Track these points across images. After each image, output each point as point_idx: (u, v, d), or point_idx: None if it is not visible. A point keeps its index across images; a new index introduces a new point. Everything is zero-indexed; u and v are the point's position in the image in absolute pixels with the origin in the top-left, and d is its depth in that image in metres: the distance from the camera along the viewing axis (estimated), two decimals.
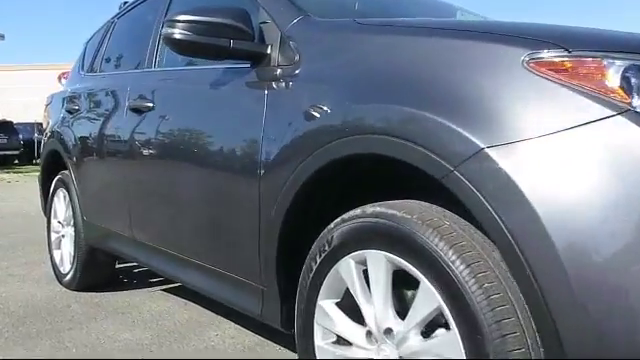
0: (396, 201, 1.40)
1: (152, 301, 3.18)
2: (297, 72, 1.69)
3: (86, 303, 3.13)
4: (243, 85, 1.89)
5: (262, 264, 1.75)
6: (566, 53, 1.13)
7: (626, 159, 1.05)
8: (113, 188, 2.80)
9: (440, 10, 2.51)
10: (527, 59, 1.15)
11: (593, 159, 1.06)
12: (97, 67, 3.44)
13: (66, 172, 3.40)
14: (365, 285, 1.43)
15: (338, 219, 1.49)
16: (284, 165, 1.62)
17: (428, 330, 1.31)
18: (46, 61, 34.31)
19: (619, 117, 1.06)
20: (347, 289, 1.49)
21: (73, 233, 3.35)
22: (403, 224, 1.30)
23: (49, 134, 3.72)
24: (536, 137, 1.09)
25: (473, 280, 1.17)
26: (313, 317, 1.56)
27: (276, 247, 1.67)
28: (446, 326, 1.25)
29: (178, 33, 1.82)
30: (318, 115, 1.52)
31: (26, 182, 12.78)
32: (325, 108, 1.51)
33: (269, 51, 1.80)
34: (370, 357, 1.41)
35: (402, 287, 1.40)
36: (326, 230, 1.53)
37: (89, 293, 3.30)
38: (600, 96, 1.07)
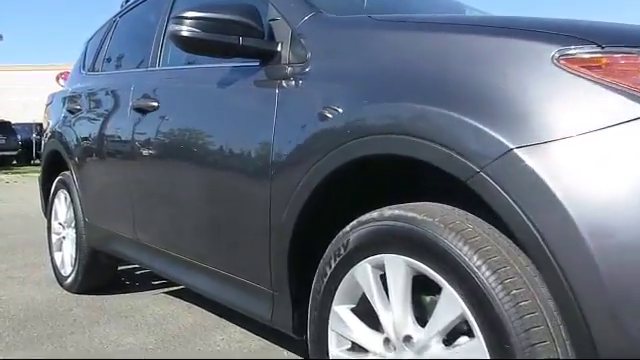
0: (415, 203, 1.35)
1: (155, 304, 3.13)
2: (309, 70, 1.64)
3: (88, 306, 3.08)
4: (252, 84, 1.83)
5: (273, 268, 1.70)
6: (599, 49, 1.08)
7: None
8: (116, 189, 2.74)
9: (450, 7, 2.46)
10: (557, 55, 1.10)
11: (629, 159, 1.01)
12: (99, 66, 3.39)
13: (67, 173, 3.34)
14: (383, 290, 1.38)
15: (354, 222, 1.44)
16: (297, 166, 1.57)
17: (449, 338, 1.26)
18: (44, 61, 34.22)
19: None
20: (363, 294, 1.44)
21: (74, 235, 3.30)
22: (424, 227, 1.24)
23: (49, 134, 3.66)
24: (569, 137, 1.04)
25: (500, 286, 1.12)
26: (327, 323, 1.51)
27: (288, 250, 1.62)
28: (469, 334, 1.20)
29: (186, 30, 1.76)
30: (333, 114, 1.47)
31: (24, 183, 12.71)
32: (340, 107, 1.45)
33: (279, 49, 1.75)
34: None
35: (421, 293, 1.35)
36: (341, 233, 1.48)
37: (91, 296, 3.25)
38: (637, 94, 1.02)
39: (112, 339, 2.58)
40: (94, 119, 3.02)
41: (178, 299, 3.21)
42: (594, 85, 1.06)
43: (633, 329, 0.99)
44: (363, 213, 1.47)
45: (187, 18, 1.77)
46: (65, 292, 3.35)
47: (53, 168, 3.59)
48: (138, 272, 3.80)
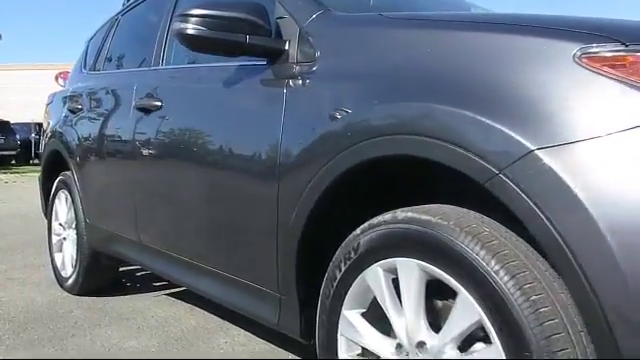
0: (429, 205, 1.31)
1: (157, 306, 3.09)
2: (318, 69, 1.60)
3: (89, 308, 3.04)
4: (259, 83, 1.80)
5: (280, 270, 1.67)
6: (622, 47, 1.05)
7: None
8: (118, 189, 2.70)
9: (455, 5, 2.43)
10: (579, 54, 1.07)
11: None
12: (100, 65, 3.35)
13: (68, 173, 3.31)
14: (395, 295, 1.34)
15: (365, 225, 1.41)
16: (306, 167, 1.53)
17: (464, 344, 1.22)
18: (43, 61, 34.17)
19: None
20: (374, 299, 1.41)
21: (75, 236, 3.26)
22: (439, 231, 1.21)
23: (50, 134, 3.62)
24: (592, 138, 1.01)
25: (519, 292, 1.08)
26: (337, 328, 1.47)
27: (296, 253, 1.59)
28: (485, 340, 1.17)
29: (191, 28, 1.73)
30: (343, 114, 1.44)
31: (23, 182, 12.66)
32: (351, 107, 1.42)
33: (287, 47, 1.72)
34: None
35: (434, 297, 1.32)
36: (351, 236, 1.44)
37: (92, 298, 3.21)
38: None
39: (114, 342, 2.55)
40: (96, 119, 2.99)
41: (180, 301, 3.17)
42: (618, 84, 1.02)
43: None
44: (372, 215, 1.44)
45: (193, 16, 1.73)
46: (66, 294, 3.31)
47: (53, 168, 3.56)
48: (139, 273, 3.76)
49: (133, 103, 2.50)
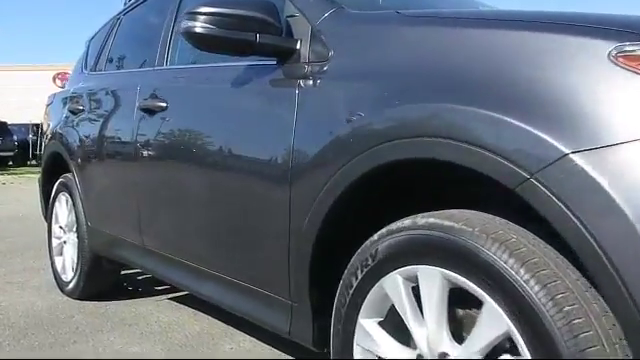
0: (450, 211, 1.26)
1: (160, 311, 3.03)
2: (331, 69, 1.55)
3: (90, 313, 2.98)
4: (269, 83, 1.75)
5: (292, 277, 1.61)
6: None
7: None
8: (121, 192, 2.65)
9: (463, 3, 2.37)
10: (614, 52, 1.01)
11: None
12: (102, 65, 3.29)
13: (69, 175, 3.25)
14: (415, 304, 1.29)
15: (383, 230, 1.35)
16: (320, 171, 1.48)
17: (489, 355, 1.17)
18: (42, 61, 34.07)
19: None
20: (392, 307, 1.35)
21: (76, 239, 3.20)
22: (463, 238, 1.16)
23: (50, 136, 3.56)
24: (632, 140, 0.95)
25: (551, 303, 1.03)
26: (352, 337, 1.42)
27: (309, 260, 1.53)
28: (512, 352, 1.12)
29: (199, 27, 1.67)
30: (360, 116, 1.38)
31: (21, 184, 12.59)
32: (368, 108, 1.37)
33: (298, 47, 1.66)
34: None
35: (456, 306, 1.26)
36: (368, 242, 1.39)
37: (93, 302, 3.15)
38: None
39: (117, 348, 2.49)
40: (98, 120, 2.92)
41: (183, 305, 3.11)
42: None
43: None
44: (388, 221, 1.39)
45: (201, 14, 1.68)
46: (66, 298, 3.26)
47: (54, 170, 3.50)
48: (140, 277, 3.71)
49: (137, 104, 2.44)
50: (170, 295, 3.31)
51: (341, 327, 1.45)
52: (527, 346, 1.06)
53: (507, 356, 1.14)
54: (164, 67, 2.44)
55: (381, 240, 1.34)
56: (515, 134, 1.06)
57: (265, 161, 1.69)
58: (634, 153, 0.96)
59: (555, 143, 1.01)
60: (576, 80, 1.04)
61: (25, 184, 12.36)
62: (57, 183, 3.44)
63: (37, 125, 20.98)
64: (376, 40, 1.47)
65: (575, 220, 0.99)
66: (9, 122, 20.91)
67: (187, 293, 2.86)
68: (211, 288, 2.02)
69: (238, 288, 1.87)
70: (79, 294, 3.20)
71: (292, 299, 1.64)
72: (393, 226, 1.33)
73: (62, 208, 3.41)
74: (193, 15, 1.69)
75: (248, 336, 2.60)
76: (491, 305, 1.12)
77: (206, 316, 2.92)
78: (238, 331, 2.67)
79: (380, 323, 1.38)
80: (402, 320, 1.32)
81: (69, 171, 3.22)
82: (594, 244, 0.98)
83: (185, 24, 1.70)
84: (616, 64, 1.01)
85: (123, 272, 3.40)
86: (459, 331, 1.26)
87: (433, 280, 1.22)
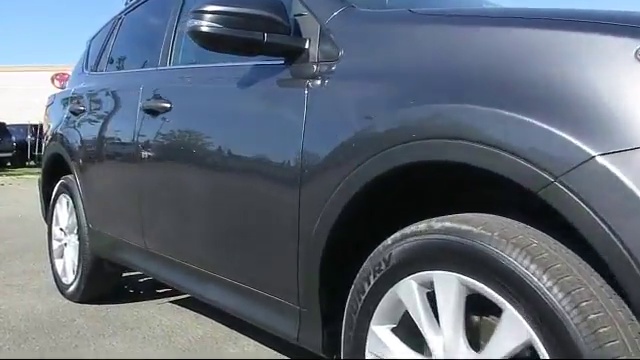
0: (467, 214, 1.22)
1: (162, 315, 2.99)
2: (341, 69, 1.51)
3: (92, 317, 2.94)
4: (277, 83, 1.71)
5: (301, 282, 1.58)
6: None
7: None
8: (123, 194, 2.60)
9: (468, 2, 2.33)
10: None
11: None
12: (103, 66, 3.25)
13: (69, 177, 3.21)
14: (430, 311, 1.25)
15: (397, 235, 1.32)
16: (331, 174, 1.44)
17: None
18: (40, 62, 34.00)
19: None
20: (405, 314, 1.32)
21: (77, 242, 3.16)
22: (482, 242, 1.12)
23: (50, 137, 3.52)
24: None
25: (575, 311, 0.99)
26: (364, 344, 1.38)
27: (319, 264, 1.49)
28: None
29: (206, 25, 1.64)
30: (372, 117, 1.35)
31: (19, 185, 12.53)
32: (381, 109, 1.33)
33: (307, 46, 1.63)
34: None
35: (471, 313, 1.23)
36: (381, 247, 1.35)
37: (94, 306, 3.11)
38: None
39: (119, 353, 2.45)
40: (99, 121, 2.88)
41: (185, 309, 3.07)
42: None
43: None
44: (401, 225, 1.35)
45: (207, 12, 1.64)
46: (67, 301, 3.22)
47: (54, 171, 3.46)
48: (141, 280, 3.67)
49: (139, 104, 2.40)
50: (172, 298, 3.27)
51: (352, 334, 1.41)
52: (550, 355, 1.02)
53: None
54: (167, 67, 2.40)
55: (395, 245, 1.30)
56: (538, 136, 1.02)
57: (273, 163, 1.66)
58: None
59: (581, 145, 0.97)
60: (602, 80, 1.00)
61: (24, 185, 12.30)
62: (58, 185, 3.40)
63: (36, 126, 20.98)
64: (389, 39, 1.43)
65: (602, 224, 0.96)
66: (7, 123, 20.84)
67: (189, 296, 2.83)
68: (216, 292, 1.98)
69: (244, 292, 1.83)
70: (80, 297, 3.15)
71: (301, 304, 1.60)
72: (407, 230, 1.29)
73: (63, 210, 3.37)
74: (199, 14, 1.65)
75: (252, 340, 2.56)
76: (511, 312, 1.08)
77: (209, 319, 2.88)
78: (242, 335, 2.63)
79: (393, 330, 1.35)
80: (416, 327, 1.29)
81: (70, 172, 3.18)
82: (622, 249, 0.95)
83: (191, 23, 1.67)
84: None
85: (124, 275, 3.36)
86: (476, 338, 1.23)
87: (450, 286, 1.19)
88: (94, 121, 2.94)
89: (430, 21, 1.37)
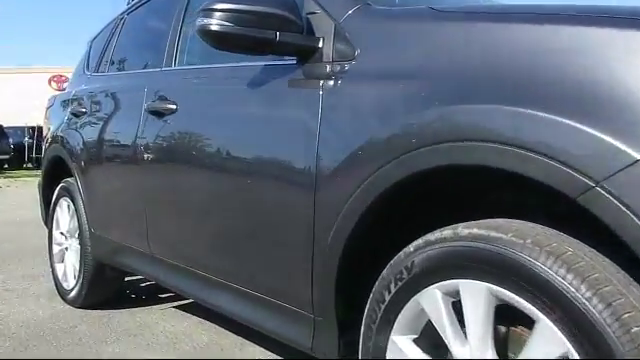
0: (495, 220, 1.17)
1: (165, 320, 2.93)
2: (358, 68, 1.46)
3: (94, 323, 2.88)
4: (289, 84, 1.65)
5: (315, 290, 1.52)
6: None
7: None
8: (127, 198, 2.54)
9: None
10: None
11: None
12: (105, 67, 3.18)
13: (70, 180, 3.14)
14: (456, 321, 1.20)
15: (419, 241, 1.26)
16: (348, 177, 1.38)
17: None
18: (37, 64, 33.87)
19: None
20: (427, 324, 1.26)
21: (78, 246, 3.09)
22: (514, 250, 1.06)
23: (50, 139, 3.46)
24: None
25: (617, 323, 0.94)
26: (384, 355, 1.32)
27: (336, 272, 1.44)
28: None
29: (216, 24, 1.58)
30: (395, 118, 1.29)
31: (17, 187, 12.45)
32: (403, 110, 1.27)
33: (320, 45, 1.57)
34: None
35: (497, 323, 1.17)
36: (402, 254, 1.29)
37: (96, 311, 3.05)
38: None
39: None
40: (102, 122, 2.82)
41: (189, 314, 3.01)
42: None
43: None
44: (420, 231, 1.30)
45: (217, 10, 1.58)
46: (68, 307, 3.15)
47: (54, 174, 3.39)
48: (143, 284, 3.60)
49: (144, 106, 2.34)
50: (175, 303, 3.21)
51: (372, 344, 1.35)
52: None
53: None
54: (173, 68, 2.34)
55: (418, 252, 1.25)
56: (577, 139, 0.96)
57: (286, 166, 1.60)
58: None
59: (624, 148, 0.92)
60: None
61: (22, 187, 12.23)
62: (58, 188, 3.33)
63: (33, 128, 20.92)
64: (410, 38, 1.37)
65: None
66: (5, 125, 20.74)
67: (192, 301, 2.77)
68: (225, 299, 1.92)
69: (255, 300, 1.77)
70: (81, 302, 3.09)
71: (315, 313, 1.54)
72: (431, 237, 1.23)
73: (63, 213, 3.31)
74: (209, 12, 1.59)
75: (258, 347, 2.50)
76: (546, 324, 1.02)
77: (214, 325, 2.82)
78: (248, 342, 2.57)
79: (415, 340, 1.29)
80: (439, 337, 1.23)
81: (71, 175, 3.11)
82: None
83: (200, 21, 1.61)
84: None
85: (125, 279, 3.30)
86: (503, 350, 1.17)
87: (478, 296, 1.13)
88: (96, 123, 2.88)
89: (455, 19, 1.31)
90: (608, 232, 0.96)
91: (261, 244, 1.73)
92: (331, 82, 1.50)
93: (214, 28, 1.58)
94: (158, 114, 2.23)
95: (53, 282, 3.39)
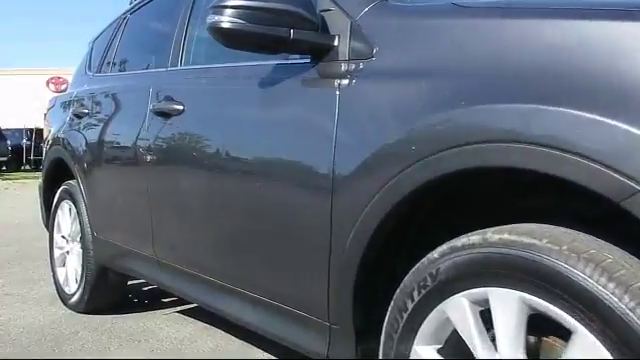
0: (526, 225, 1.11)
1: (169, 326, 2.87)
2: (376, 67, 1.40)
3: (96, 329, 2.82)
4: (303, 83, 1.60)
5: (332, 297, 1.46)
6: None
7: None
8: (131, 200, 2.48)
9: None
10: None
11: None
12: (108, 67, 3.13)
13: (72, 182, 3.08)
14: (484, 331, 1.14)
15: (444, 247, 1.20)
16: (367, 180, 1.32)
17: None
18: (34, 66, 33.82)
19: None
20: (452, 333, 1.20)
21: (80, 250, 3.04)
22: (549, 257, 1.01)
23: (51, 141, 3.40)
24: None
25: None
26: None
27: (354, 279, 1.38)
28: None
29: (227, 21, 1.52)
30: (418, 119, 1.23)
31: (15, 189, 12.38)
32: (428, 110, 1.22)
33: (336, 43, 1.52)
34: None
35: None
36: (426, 261, 1.24)
37: (98, 316, 2.99)
38: None
39: None
40: (105, 124, 2.76)
41: (193, 319, 2.95)
42: None
43: None
44: (437, 236, 1.25)
45: (228, 7, 1.52)
46: (69, 312, 3.09)
47: (56, 177, 3.33)
48: (146, 288, 3.54)
49: (149, 107, 2.28)
50: (179, 308, 3.15)
51: (393, 354, 1.30)
52: None
53: None
54: (179, 67, 2.28)
55: (443, 258, 1.19)
56: (624, 141, 0.91)
57: (301, 169, 1.54)
58: None
59: None
60: None
61: (20, 190, 12.15)
62: (59, 190, 3.27)
63: (31, 130, 20.85)
64: (434, 35, 1.32)
65: None
66: (3, 127, 20.67)
67: (196, 306, 2.71)
68: (235, 306, 1.86)
69: (267, 307, 1.71)
70: (83, 307, 3.03)
71: (331, 320, 1.48)
72: (457, 243, 1.18)
73: (65, 217, 3.25)
74: (220, 9, 1.54)
75: (267, 354, 2.45)
76: (585, 335, 0.97)
77: (218, 330, 2.76)
78: (255, 348, 2.51)
79: (439, 350, 1.23)
80: (465, 347, 1.17)
81: (72, 178, 3.06)
82: None
83: (211, 19, 1.55)
84: None
85: (128, 283, 3.24)
86: None
87: (510, 305, 1.07)
88: (99, 124, 2.82)
89: (482, 15, 1.25)
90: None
91: (274, 250, 1.67)
92: (348, 81, 1.45)
93: (225, 25, 1.53)
94: (164, 115, 2.17)
95: (54, 286, 3.33)
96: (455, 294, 1.17)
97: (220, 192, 1.89)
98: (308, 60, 1.59)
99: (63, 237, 3.29)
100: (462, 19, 1.27)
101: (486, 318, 1.14)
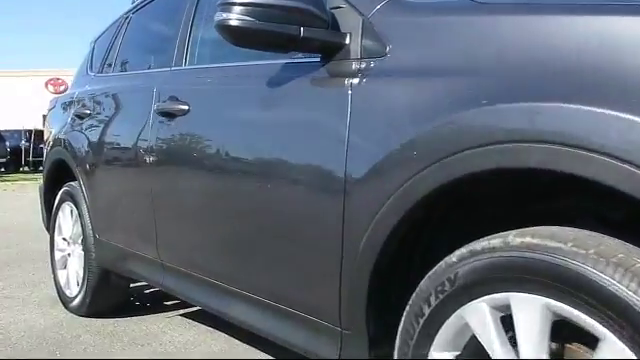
0: (549, 228, 1.08)
1: (172, 329, 2.83)
2: (390, 66, 1.36)
3: (98, 332, 2.78)
4: (311, 82, 1.56)
5: (343, 302, 1.42)
6: None
7: None
8: (135, 202, 2.44)
9: None
10: None
11: None
12: (110, 67, 3.09)
13: (73, 184, 3.04)
14: (505, 337, 1.10)
15: (463, 251, 1.17)
16: (381, 183, 1.29)
17: None
18: (33, 67, 33.78)
19: None
20: (470, 340, 1.17)
21: (82, 252, 2.99)
22: (575, 262, 0.97)
23: (52, 142, 3.36)
24: None
25: None
26: None
27: (367, 283, 1.34)
28: None
29: (235, 19, 1.49)
30: (434, 119, 1.20)
31: (14, 191, 12.33)
32: (446, 109, 1.18)
33: (347, 41, 1.48)
34: None
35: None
36: (444, 264, 1.20)
37: (100, 320, 2.95)
38: None
39: None
40: (108, 124, 2.72)
41: (197, 322, 2.91)
42: None
43: None
44: (456, 241, 1.21)
45: (237, 4, 1.49)
46: (70, 315, 3.05)
47: (57, 178, 3.29)
48: (148, 291, 3.50)
49: (153, 107, 2.25)
50: (182, 311, 3.11)
51: None
52: None
53: None
54: (184, 67, 2.24)
55: (462, 262, 1.15)
56: None
57: (312, 171, 1.51)
58: None
59: None
60: None
61: (19, 191, 12.11)
62: (61, 192, 3.23)
63: (30, 131, 20.82)
64: (452, 32, 1.28)
65: None
66: (1, 128, 20.64)
67: (199, 309, 2.68)
68: (242, 310, 1.82)
69: (275, 311, 1.67)
70: (85, 311, 2.99)
71: (342, 325, 1.45)
72: (477, 246, 1.14)
73: (66, 219, 3.20)
74: (228, 6, 1.50)
75: (270, 357, 2.41)
76: (614, 342, 0.93)
77: (222, 334, 2.72)
78: (261, 352, 2.47)
79: (457, 357, 1.20)
80: (484, 354, 1.14)
81: (74, 179, 3.02)
82: None
83: (219, 16, 1.52)
84: None
85: (130, 286, 3.20)
86: None
87: (533, 311, 1.03)
88: (102, 125, 2.78)
89: (502, 11, 1.21)
90: None
91: (284, 254, 1.63)
92: (360, 80, 1.41)
93: (234, 23, 1.49)
94: (168, 115, 2.14)
95: (55, 289, 3.28)
96: (475, 299, 1.13)
97: (227, 194, 1.85)
98: (317, 59, 1.55)
99: (64, 239, 3.25)
100: (481, 15, 1.23)
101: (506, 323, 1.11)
